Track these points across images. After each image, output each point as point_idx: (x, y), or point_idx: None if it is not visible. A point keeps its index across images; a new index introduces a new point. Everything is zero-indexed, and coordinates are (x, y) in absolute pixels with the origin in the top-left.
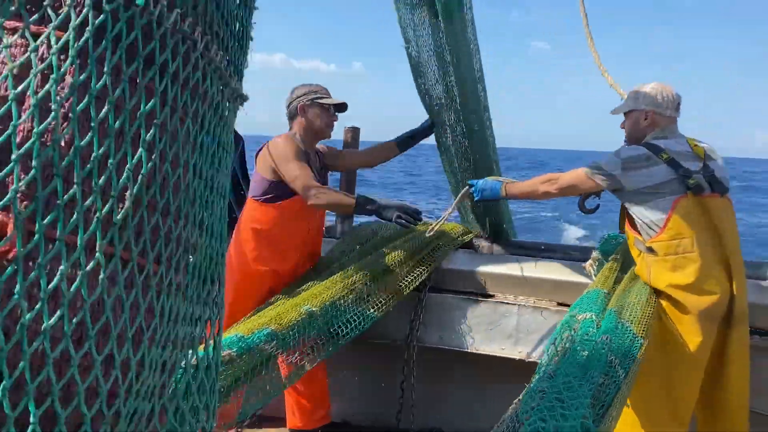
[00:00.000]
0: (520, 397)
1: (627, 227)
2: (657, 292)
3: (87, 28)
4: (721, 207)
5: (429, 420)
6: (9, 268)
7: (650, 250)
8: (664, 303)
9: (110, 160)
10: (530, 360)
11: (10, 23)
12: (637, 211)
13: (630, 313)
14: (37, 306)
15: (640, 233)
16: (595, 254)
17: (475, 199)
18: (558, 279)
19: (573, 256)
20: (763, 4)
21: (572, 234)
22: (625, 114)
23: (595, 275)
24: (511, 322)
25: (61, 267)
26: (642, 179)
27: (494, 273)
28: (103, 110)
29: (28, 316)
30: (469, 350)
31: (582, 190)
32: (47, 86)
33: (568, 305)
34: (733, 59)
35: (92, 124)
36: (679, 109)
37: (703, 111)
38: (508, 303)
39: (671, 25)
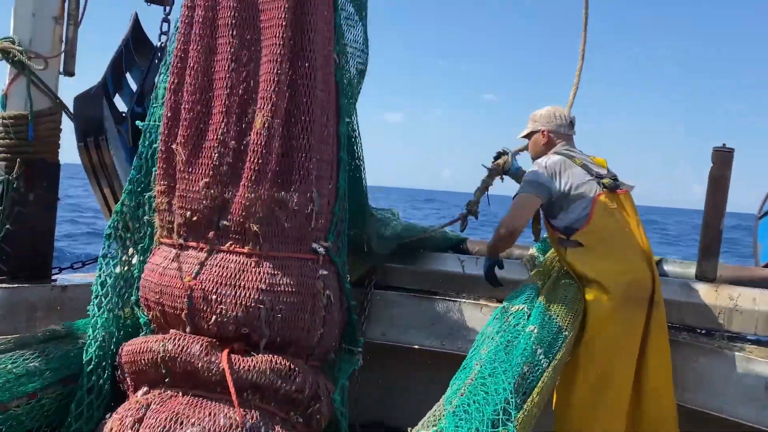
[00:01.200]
0: (450, 384)
1: (549, 230)
2: (588, 282)
3: None
4: (630, 201)
5: (372, 414)
6: None
7: (577, 243)
8: (595, 291)
9: None
10: None
11: None
12: (561, 213)
13: (558, 307)
14: None
15: (563, 233)
16: (532, 251)
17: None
18: (498, 276)
19: (514, 254)
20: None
21: None
22: (527, 137)
23: (531, 271)
24: (451, 319)
25: None
26: (567, 181)
27: (437, 271)
28: None
29: None
30: (411, 346)
31: (532, 211)
32: None
33: None
34: (674, 118)
35: None
36: (573, 127)
37: (644, 165)
38: (449, 300)
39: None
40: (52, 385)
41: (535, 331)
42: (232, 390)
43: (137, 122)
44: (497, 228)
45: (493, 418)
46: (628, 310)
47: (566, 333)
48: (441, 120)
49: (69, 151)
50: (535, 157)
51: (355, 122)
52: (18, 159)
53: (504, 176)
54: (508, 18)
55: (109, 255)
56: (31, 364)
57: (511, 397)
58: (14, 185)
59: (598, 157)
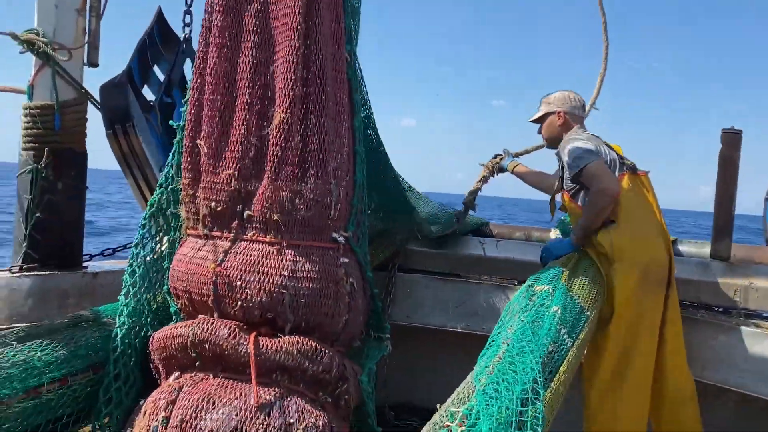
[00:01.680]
0: (477, 361)
1: (573, 207)
2: (610, 261)
3: None
4: (650, 183)
5: (401, 395)
6: None
7: (610, 221)
8: (618, 270)
9: None
10: None
11: None
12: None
13: (579, 288)
14: None
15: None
16: (554, 233)
17: (549, 261)
18: (519, 259)
19: (533, 236)
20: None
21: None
22: (540, 121)
23: None
24: (475, 301)
25: None
26: (604, 154)
27: (460, 254)
28: None
29: None
30: (436, 327)
31: (610, 172)
32: None
33: None
34: (675, 127)
35: None
36: (585, 109)
37: (652, 165)
38: (472, 282)
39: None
40: (82, 372)
41: (558, 312)
42: (253, 371)
43: (170, 122)
44: (590, 205)
45: (522, 397)
46: (649, 289)
47: (588, 313)
48: (453, 125)
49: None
50: (550, 140)
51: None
52: (46, 148)
53: (498, 173)
54: (515, 23)
55: (140, 244)
56: (59, 351)
57: (539, 377)
58: (43, 174)
59: (613, 144)
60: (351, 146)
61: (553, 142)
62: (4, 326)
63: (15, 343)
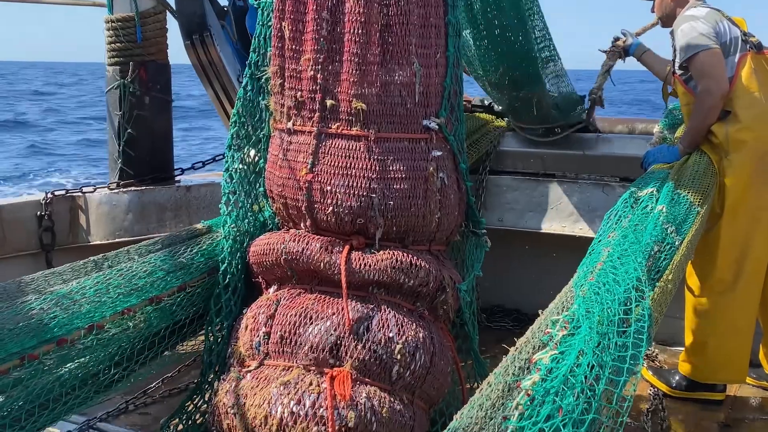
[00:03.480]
0: (577, 270)
1: (686, 93)
2: (726, 152)
3: None
4: None
5: (492, 298)
6: None
7: (726, 112)
8: (734, 161)
9: None
10: (592, 237)
11: None
12: None
13: (688, 183)
14: None
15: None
16: (658, 128)
17: (647, 167)
18: (620, 154)
19: (637, 129)
20: None
21: None
22: None
23: None
24: (572, 200)
25: None
26: (723, 33)
27: (554, 152)
28: None
29: None
30: (530, 230)
31: (723, 64)
32: None
33: (631, 180)
34: None
35: None
36: None
37: None
38: (568, 181)
39: None
40: (198, 278)
41: (664, 210)
42: (344, 293)
43: (251, 0)
44: (696, 109)
45: (624, 297)
46: (767, 182)
47: (698, 209)
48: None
49: None
50: (664, 18)
51: None
52: (131, 62)
53: (625, 58)
54: None
55: (233, 146)
56: (177, 261)
57: (643, 276)
58: (130, 89)
59: (736, 17)
60: (441, 16)
61: (667, 20)
62: (109, 241)
63: (137, 257)
